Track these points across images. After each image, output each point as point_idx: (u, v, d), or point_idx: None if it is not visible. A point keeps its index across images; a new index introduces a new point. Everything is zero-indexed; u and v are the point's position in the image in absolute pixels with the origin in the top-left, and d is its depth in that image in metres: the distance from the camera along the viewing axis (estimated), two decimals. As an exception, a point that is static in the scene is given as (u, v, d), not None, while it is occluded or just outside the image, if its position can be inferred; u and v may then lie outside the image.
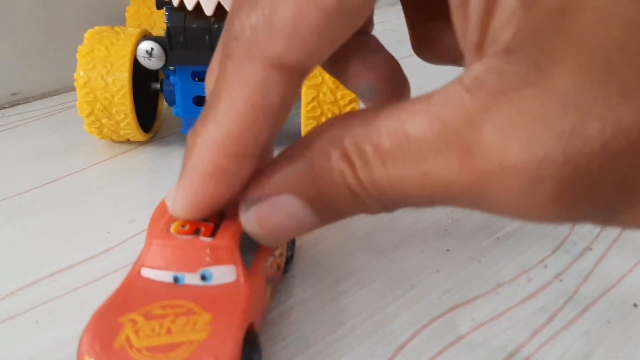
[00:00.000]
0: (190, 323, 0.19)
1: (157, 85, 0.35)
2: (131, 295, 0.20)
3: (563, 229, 0.28)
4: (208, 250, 0.21)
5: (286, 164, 0.18)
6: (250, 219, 0.20)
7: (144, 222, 0.27)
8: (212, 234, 0.21)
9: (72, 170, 0.33)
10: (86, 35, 0.33)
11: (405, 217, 0.29)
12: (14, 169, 0.33)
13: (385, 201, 0.17)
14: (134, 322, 0.19)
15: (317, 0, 0.16)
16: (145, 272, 0.21)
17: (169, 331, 0.19)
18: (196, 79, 0.32)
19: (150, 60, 0.31)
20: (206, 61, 0.28)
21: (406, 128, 0.16)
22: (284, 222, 0.19)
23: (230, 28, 0.17)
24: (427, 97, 0.16)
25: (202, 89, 0.32)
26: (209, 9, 0.29)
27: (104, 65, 0.32)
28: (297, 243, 0.27)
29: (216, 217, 0.22)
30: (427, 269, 0.26)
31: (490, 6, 0.14)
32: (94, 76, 0.32)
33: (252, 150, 0.18)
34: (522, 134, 0.14)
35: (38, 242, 0.28)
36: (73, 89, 0.41)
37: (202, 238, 0.21)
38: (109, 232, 0.28)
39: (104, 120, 0.33)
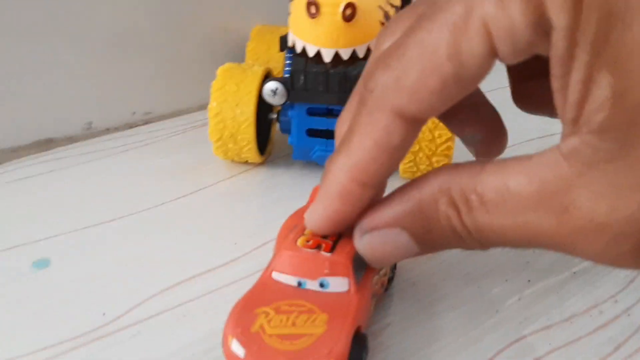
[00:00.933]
0: (311, 320, 0.24)
1: (274, 116, 0.40)
2: (264, 293, 0.25)
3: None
4: (327, 264, 0.25)
5: (398, 203, 0.22)
6: (364, 244, 0.24)
7: (263, 235, 0.32)
8: (331, 250, 0.26)
9: (201, 186, 0.38)
10: (218, 71, 0.38)
11: (492, 249, 0.32)
12: (151, 183, 0.39)
13: (484, 242, 0.21)
14: (267, 314, 0.24)
15: (437, 69, 0.20)
16: (275, 275, 0.26)
17: (294, 324, 0.24)
18: (310, 114, 0.37)
19: (274, 97, 0.36)
20: (321, 99, 0.35)
21: (508, 183, 0.19)
22: (390, 250, 0.23)
23: (366, 82, 0.22)
24: (527, 158, 0.19)
25: (315, 122, 0.37)
26: (327, 57, 0.34)
27: (233, 99, 0.37)
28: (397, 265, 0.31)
29: (335, 237, 0.26)
30: (511, 296, 0.30)
31: (584, 93, 0.18)
32: (225, 108, 0.37)
33: (373, 180, 0.22)
34: (610, 198, 0.17)
35: (176, 250, 0.33)
36: (196, 110, 0.46)
37: (323, 253, 0.26)
38: (235, 243, 0.33)
39: (229, 145, 0.38)
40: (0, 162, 0.41)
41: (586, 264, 0.31)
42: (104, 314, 0.28)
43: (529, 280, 0.30)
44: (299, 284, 0.26)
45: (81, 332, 0.27)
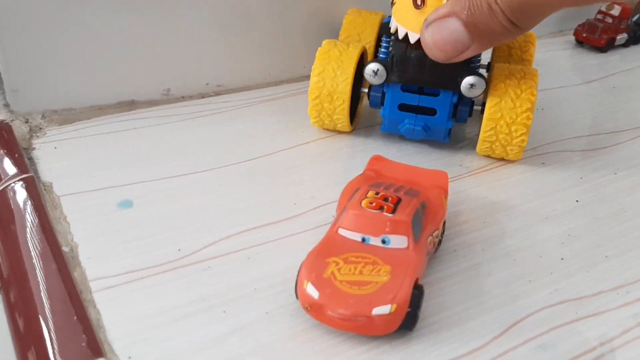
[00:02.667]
0: (376, 270, 0.27)
1: (365, 90, 0.43)
2: (333, 245, 0.29)
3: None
4: (389, 223, 0.29)
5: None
6: (426, 34, 0.31)
7: (322, 199, 0.36)
8: (393, 211, 0.29)
9: (277, 149, 0.42)
10: (324, 42, 0.42)
11: (530, 228, 0.36)
12: (224, 145, 0.42)
13: (517, 17, 0.26)
14: (337, 263, 0.28)
15: None
16: (342, 232, 0.29)
17: (361, 273, 0.27)
18: (404, 90, 0.40)
19: (374, 77, 0.40)
20: (417, 81, 0.39)
21: None
22: (447, 36, 0.30)
23: None
24: None
25: (408, 98, 0.40)
26: None
27: (335, 62, 0.41)
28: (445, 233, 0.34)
29: (395, 200, 0.30)
30: (543, 271, 0.32)
31: None
32: (327, 68, 0.41)
33: None
34: None
35: (245, 203, 0.36)
36: (295, 80, 0.51)
37: (385, 213, 0.29)
38: (295, 204, 0.37)
39: (325, 104, 0.41)
40: (89, 118, 0.45)
41: (619, 248, 0.34)
42: (179, 250, 0.32)
43: (562, 259, 0.33)
44: (363, 239, 0.29)
45: (158, 263, 0.31)
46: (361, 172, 0.36)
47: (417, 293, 0.27)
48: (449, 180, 0.35)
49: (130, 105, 0.47)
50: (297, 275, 0.28)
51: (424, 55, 0.36)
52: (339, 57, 0.41)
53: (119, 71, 0.46)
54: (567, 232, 0.35)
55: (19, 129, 0.42)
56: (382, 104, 0.42)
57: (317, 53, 0.42)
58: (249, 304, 0.29)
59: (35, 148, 0.41)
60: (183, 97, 0.49)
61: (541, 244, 0.34)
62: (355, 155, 0.42)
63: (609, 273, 0.33)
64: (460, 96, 0.40)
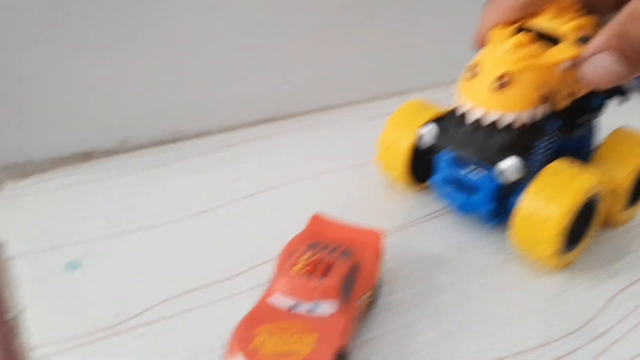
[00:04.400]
0: (303, 339, 0.28)
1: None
2: (264, 313, 0.29)
3: None
4: (319, 288, 0.30)
5: (603, 33, 0.30)
6: (584, 70, 0.32)
7: (264, 256, 0.36)
8: (323, 276, 0.30)
9: (233, 198, 0.43)
10: (402, 105, 0.43)
11: (463, 282, 0.37)
12: (173, 198, 0.44)
13: None
14: (266, 332, 0.28)
15: None
16: (274, 298, 0.30)
17: (288, 342, 0.28)
18: (457, 165, 0.38)
19: (424, 138, 0.39)
20: (462, 152, 0.37)
21: None
22: (603, 70, 0.31)
23: None
24: None
25: (455, 171, 0.38)
26: (476, 116, 0.36)
27: (400, 132, 0.42)
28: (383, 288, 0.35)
29: (329, 264, 0.31)
30: (472, 327, 0.34)
31: None
32: (391, 138, 0.42)
33: None
34: None
35: (191, 261, 0.37)
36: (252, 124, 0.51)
37: (316, 278, 0.30)
38: (239, 260, 0.37)
39: (387, 156, 0.42)
40: (47, 170, 0.45)
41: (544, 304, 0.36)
42: (120, 314, 0.33)
43: (489, 315, 0.35)
44: (294, 306, 0.30)
45: (99, 328, 0.32)
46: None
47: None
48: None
49: (87, 156, 0.48)
50: (226, 346, 0.28)
51: (471, 126, 0.36)
52: (413, 116, 0.41)
53: (76, 121, 0.47)
54: (497, 287, 0.37)
55: (-23, 185, 0.44)
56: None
57: (393, 114, 0.43)
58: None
59: (-9, 205, 0.42)
60: (140, 146, 0.50)
61: (472, 298, 0.36)
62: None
63: (532, 331, 0.34)
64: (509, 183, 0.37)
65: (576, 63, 0.33)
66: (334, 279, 0.30)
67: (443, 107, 0.41)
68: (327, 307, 0.30)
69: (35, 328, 0.32)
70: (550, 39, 0.36)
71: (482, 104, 0.35)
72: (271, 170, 0.47)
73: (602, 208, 0.38)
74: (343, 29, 0.56)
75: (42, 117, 0.46)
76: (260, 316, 0.30)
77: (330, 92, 0.57)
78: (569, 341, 0.33)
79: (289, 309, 0.30)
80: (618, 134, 0.41)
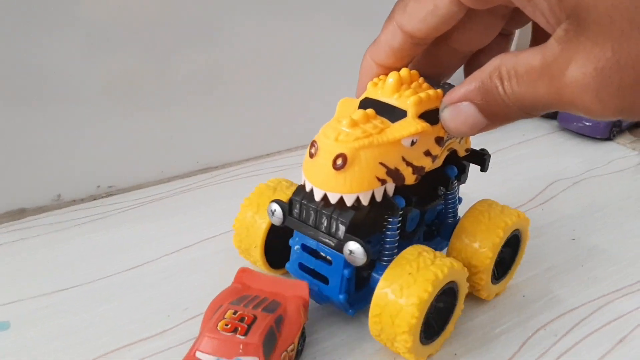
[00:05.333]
0: None
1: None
2: None
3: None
4: (241, 345, 0.31)
5: (467, 83, 0.30)
6: (444, 117, 0.31)
7: (195, 310, 0.37)
8: (245, 333, 0.31)
9: (164, 252, 0.44)
10: (257, 187, 0.42)
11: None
12: (105, 255, 0.44)
13: (523, 108, 0.28)
14: None
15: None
16: (199, 355, 0.31)
17: None
18: (308, 251, 0.37)
19: (272, 217, 0.37)
20: (309, 233, 0.35)
21: (530, 61, 0.26)
22: (464, 119, 0.30)
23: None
24: (544, 45, 0.26)
25: (305, 259, 0.37)
26: (317, 196, 0.33)
27: (257, 212, 0.40)
28: (307, 341, 0.36)
29: (250, 321, 0.32)
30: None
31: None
32: (248, 219, 0.40)
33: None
34: (584, 63, 0.24)
35: (121, 318, 0.38)
36: (187, 175, 0.51)
37: (238, 336, 0.31)
38: (169, 316, 0.38)
39: (243, 240, 0.41)
40: (-25, 230, 0.46)
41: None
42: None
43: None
44: None
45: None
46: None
47: None
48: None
49: (20, 213, 0.48)
50: None
51: (315, 207, 0.34)
52: (270, 195, 0.41)
53: (8, 179, 0.47)
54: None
55: None
56: None
57: (255, 189, 0.42)
58: None
59: None
60: (74, 201, 0.50)
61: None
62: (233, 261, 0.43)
63: None
64: (371, 264, 0.36)
65: (437, 139, 0.34)
66: (255, 336, 0.31)
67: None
68: None
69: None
70: (391, 114, 0.34)
71: (321, 184, 0.33)
72: (203, 221, 0.48)
73: (462, 293, 0.37)
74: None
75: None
76: None
77: (264, 141, 0.59)
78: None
79: None
80: (480, 206, 0.40)
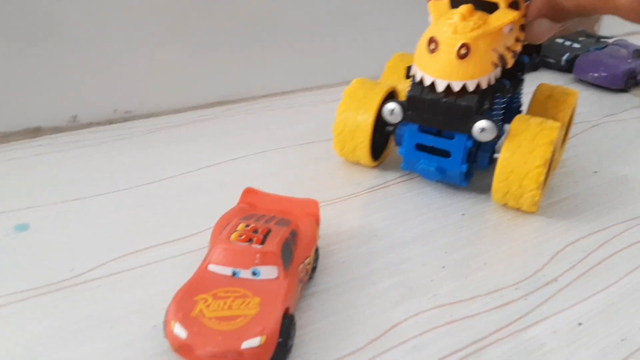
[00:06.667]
0: (245, 303, 0.27)
1: (391, 129, 0.43)
2: (202, 282, 0.28)
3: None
4: (258, 255, 0.29)
5: (535, 2, 0.37)
6: (530, 31, 0.38)
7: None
8: (262, 243, 0.29)
9: (180, 172, 0.43)
10: (353, 81, 0.44)
11: (418, 240, 0.37)
12: (122, 170, 0.43)
13: (578, 9, 0.35)
14: (205, 300, 0.27)
15: None
16: (212, 267, 0.29)
17: (230, 307, 0.27)
18: (421, 131, 0.40)
19: (391, 116, 0.40)
20: (431, 123, 0.39)
21: None
22: (543, 30, 0.38)
23: None
24: None
25: (424, 139, 0.40)
26: (440, 87, 0.37)
27: (359, 105, 0.42)
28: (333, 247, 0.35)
29: (264, 232, 0.30)
30: (424, 278, 0.34)
31: None
32: (351, 107, 0.42)
33: None
34: None
35: (139, 225, 0.37)
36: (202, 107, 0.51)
37: (254, 245, 0.29)
38: (187, 226, 0.37)
39: (347, 141, 0.43)
40: (-7, 145, 0.45)
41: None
42: (72, 270, 0.33)
43: (443, 267, 0.35)
44: (234, 273, 0.29)
45: (51, 282, 0.32)
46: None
47: (287, 322, 0.27)
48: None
49: (35, 132, 0.47)
50: (165, 316, 0.27)
51: (437, 98, 0.38)
52: (364, 96, 0.42)
53: (26, 98, 0.46)
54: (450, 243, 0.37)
55: None
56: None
57: (344, 92, 0.43)
58: (139, 319, 0.30)
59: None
60: (90, 124, 0.49)
61: (425, 254, 0.36)
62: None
63: (486, 279, 0.34)
64: (478, 142, 0.39)
65: (523, 26, 0.39)
66: (272, 245, 0.29)
67: (387, 84, 0.43)
68: (267, 273, 0.29)
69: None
70: (484, 8, 0.38)
71: (445, 75, 0.37)
72: (218, 148, 0.47)
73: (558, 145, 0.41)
74: (297, 23, 0.56)
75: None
76: (200, 284, 0.29)
77: (279, 80, 0.58)
78: (521, 287, 0.34)
79: (230, 276, 0.29)
80: (542, 89, 0.46)
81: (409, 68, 0.40)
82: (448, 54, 0.36)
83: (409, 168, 0.42)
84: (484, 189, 0.42)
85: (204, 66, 0.53)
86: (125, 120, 0.50)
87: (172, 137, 0.49)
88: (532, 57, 0.45)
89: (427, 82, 0.38)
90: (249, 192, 0.36)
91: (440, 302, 0.32)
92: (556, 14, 0.37)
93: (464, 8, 0.37)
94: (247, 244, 0.29)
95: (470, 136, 0.39)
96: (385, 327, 0.30)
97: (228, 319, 0.27)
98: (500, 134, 0.38)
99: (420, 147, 0.41)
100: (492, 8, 0.38)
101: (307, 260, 0.31)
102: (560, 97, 0.45)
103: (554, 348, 0.30)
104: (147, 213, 0.38)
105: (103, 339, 0.28)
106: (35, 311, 0.30)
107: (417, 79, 0.38)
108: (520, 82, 0.45)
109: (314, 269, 0.33)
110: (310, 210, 0.35)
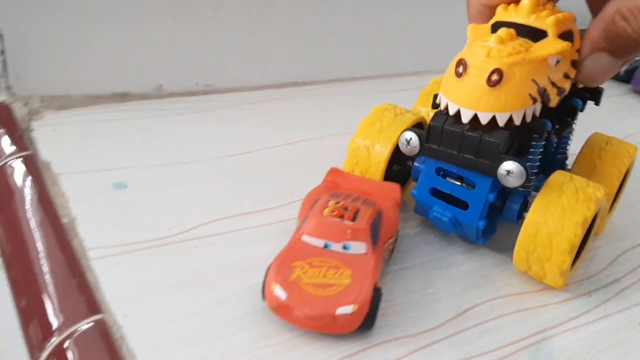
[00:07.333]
0: (338, 273, 0.29)
1: (410, 163, 0.37)
2: (297, 251, 0.30)
3: None
4: (349, 230, 0.31)
5: (591, 34, 0.32)
6: (586, 68, 0.33)
7: (300, 194, 0.38)
8: (353, 219, 0.31)
9: (265, 146, 0.45)
10: (372, 110, 0.39)
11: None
12: (212, 140, 0.46)
13: None
14: (302, 267, 0.29)
15: None
16: (305, 238, 0.31)
17: (324, 276, 0.29)
18: (440, 173, 0.35)
19: (407, 147, 0.34)
20: (451, 159, 0.33)
21: None
22: (599, 67, 0.33)
23: None
24: None
25: (440, 183, 0.35)
26: (466, 118, 0.31)
27: (374, 139, 0.37)
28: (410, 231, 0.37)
29: (354, 210, 0.32)
30: (498, 267, 0.36)
31: None
32: (363, 146, 0.38)
33: None
34: None
35: (229, 193, 0.39)
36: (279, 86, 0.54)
37: (346, 221, 0.31)
38: (275, 197, 0.39)
39: (361, 160, 0.38)
40: (85, 106, 0.47)
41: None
42: (169, 229, 0.35)
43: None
44: (325, 245, 0.31)
45: (151, 239, 0.34)
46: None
47: (376, 295, 0.29)
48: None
49: (123, 97, 0.49)
50: (265, 278, 0.29)
51: (461, 130, 0.32)
52: (391, 120, 0.38)
53: (116, 64, 0.48)
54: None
55: (19, 111, 0.44)
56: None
57: (372, 109, 0.39)
58: (233, 279, 0.32)
59: (33, 130, 0.43)
60: (174, 94, 0.51)
61: (501, 242, 0.37)
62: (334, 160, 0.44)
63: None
64: (504, 193, 0.34)
65: (575, 62, 0.33)
66: (363, 222, 0.31)
67: (414, 112, 0.40)
68: (357, 248, 0.31)
69: (89, 234, 0.33)
70: (530, 35, 0.33)
71: (471, 104, 0.31)
72: (297, 126, 0.49)
73: (601, 218, 0.35)
74: (369, 10, 0.58)
75: (83, 57, 0.47)
76: (296, 252, 0.30)
77: (353, 66, 0.60)
78: (586, 284, 0.35)
79: (322, 248, 0.31)
80: (596, 140, 0.39)
81: (435, 96, 0.34)
82: (477, 79, 0.31)
83: (421, 212, 0.37)
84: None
85: (281, 49, 0.55)
86: (206, 93, 0.52)
87: (251, 113, 0.51)
88: (586, 102, 0.38)
89: (451, 111, 0.32)
90: (333, 172, 0.38)
91: (510, 291, 0.34)
92: (619, 47, 0.31)
93: (503, 31, 0.32)
94: (339, 219, 0.31)
95: (494, 185, 0.33)
96: (461, 309, 0.32)
97: (324, 286, 0.28)
98: (529, 182, 0.32)
99: (436, 192, 0.35)
100: (539, 36, 0.32)
101: (390, 240, 0.33)
102: (616, 151, 0.39)
103: (615, 344, 0.31)
104: (235, 183, 0.41)
105: (202, 295, 0.30)
106: (136, 264, 0.32)
107: (442, 106, 0.33)
108: (567, 127, 0.38)
109: (393, 249, 0.35)
110: (392, 193, 0.36)
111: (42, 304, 0.29)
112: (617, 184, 0.38)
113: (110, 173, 0.39)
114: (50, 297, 0.29)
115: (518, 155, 0.34)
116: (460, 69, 0.31)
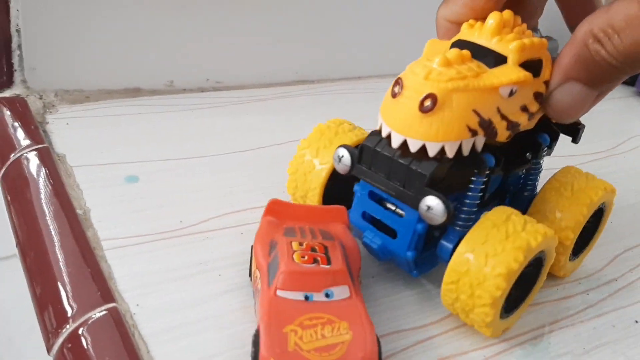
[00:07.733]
0: (336, 329, 0.26)
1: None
2: (280, 312, 0.26)
3: None
4: (329, 276, 0.27)
5: (562, 61, 0.27)
6: (551, 105, 0.29)
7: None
8: (328, 262, 0.28)
9: (271, 143, 0.46)
10: (315, 128, 0.37)
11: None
12: (219, 136, 0.47)
13: (628, 62, 0.26)
14: (295, 331, 0.25)
15: None
16: (281, 293, 0.27)
17: (323, 336, 0.25)
18: (375, 198, 0.32)
19: (338, 164, 0.31)
20: (379, 184, 0.30)
21: (626, 11, 0.25)
22: (571, 100, 0.28)
23: None
24: None
25: (371, 208, 0.32)
26: (395, 143, 0.28)
27: (324, 145, 0.35)
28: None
29: (323, 249, 0.29)
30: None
31: None
32: (313, 146, 0.36)
33: None
34: None
35: (239, 187, 0.40)
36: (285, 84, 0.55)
37: (322, 265, 0.28)
38: (283, 192, 0.40)
39: (299, 184, 0.36)
40: (98, 100, 0.48)
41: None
42: (180, 222, 0.36)
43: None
44: (306, 297, 0.27)
45: (162, 230, 0.35)
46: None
47: (379, 342, 0.26)
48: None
49: (135, 92, 0.50)
50: (255, 353, 0.25)
51: (391, 155, 0.29)
52: (333, 138, 0.35)
53: (128, 60, 0.49)
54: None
55: (34, 104, 0.45)
56: None
57: (315, 127, 0.37)
58: (241, 270, 0.33)
59: (48, 123, 0.44)
60: (184, 90, 0.52)
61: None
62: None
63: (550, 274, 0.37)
64: (434, 225, 0.29)
65: (543, 96, 0.29)
66: (339, 263, 0.28)
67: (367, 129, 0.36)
68: (340, 293, 0.28)
69: (104, 225, 0.34)
70: (488, 58, 0.29)
71: (402, 129, 0.28)
72: (306, 122, 0.49)
73: (548, 263, 0.31)
74: (378, 9, 0.59)
75: (97, 52, 0.48)
76: (279, 314, 0.26)
77: (362, 64, 0.61)
78: (584, 283, 0.36)
79: (303, 301, 0.27)
80: (564, 174, 0.35)
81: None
82: (411, 102, 0.27)
83: (357, 234, 0.33)
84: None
85: (290, 47, 0.56)
86: (216, 89, 0.53)
87: (260, 109, 0.52)
88: (556, 138, 0.35)
89: (384, 133, 0.29)
90: (274, 204, 0.33)
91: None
92: (593, 75, 0.27)
93: (453, 52, 0.28)
94: (314, 265, 0.28)
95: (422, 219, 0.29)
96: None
97: (327, 348, 0.25)
98: (461, 220, 0.31)
99: (367, 216, 0.33)
100: (498, 62, 0.29)
101: (359, 273, 0.30)
102: (586, 190, 0.34)
103: (610, 341, 0.32)
104: (245, 178, 0.41)
105: (212, 285, 0.31)
106: (149, 254, 0.33)
107: (378, 126, 0.30)
108: (522, 164, 0.34)
109: (360, 282, 0.31)
110: (340, 217, 0.33)
111: (57, 292, 0.30)
112: (579, 224, 0.33)
113: (122, 166, 0.40)
114: (64, 286, 0.30)
115: (454, 190, 0.30)
116: (397, 89, 0.28)
